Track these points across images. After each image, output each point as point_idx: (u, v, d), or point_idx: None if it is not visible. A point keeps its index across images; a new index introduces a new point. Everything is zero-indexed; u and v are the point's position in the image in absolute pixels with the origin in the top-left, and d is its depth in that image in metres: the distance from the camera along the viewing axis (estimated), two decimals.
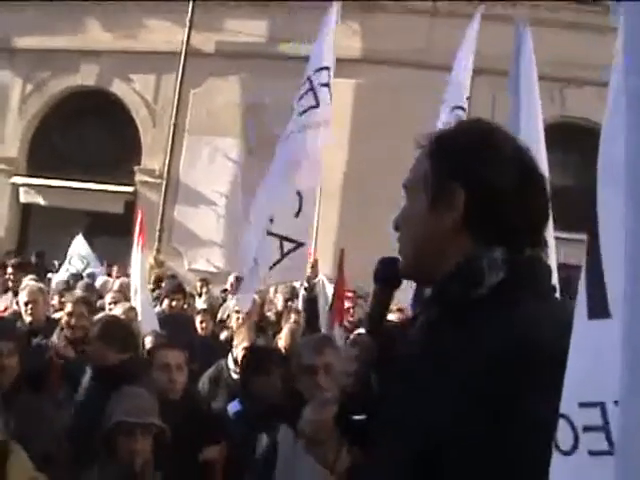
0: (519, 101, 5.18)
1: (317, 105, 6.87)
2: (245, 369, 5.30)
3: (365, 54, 17.13)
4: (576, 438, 1.12)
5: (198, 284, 13.30)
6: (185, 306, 9.56)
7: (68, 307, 6.31)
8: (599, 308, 1.09)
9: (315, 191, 7.04)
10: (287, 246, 6.59)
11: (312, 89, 6.93)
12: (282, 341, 6.94)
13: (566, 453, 1.13)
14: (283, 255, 6.58)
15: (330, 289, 10.89)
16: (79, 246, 13.72)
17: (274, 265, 6.60)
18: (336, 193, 16.27)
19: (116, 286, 9.90)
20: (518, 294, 1.61)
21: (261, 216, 6.84)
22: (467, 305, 1.64)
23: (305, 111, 6.92)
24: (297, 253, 6.60)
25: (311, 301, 6.75)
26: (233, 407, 4.94)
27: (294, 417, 3.50)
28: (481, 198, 1.69)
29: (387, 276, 1.94)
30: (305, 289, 7.73)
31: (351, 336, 5.55)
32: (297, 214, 6.65)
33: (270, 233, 6.57)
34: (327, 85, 6.96)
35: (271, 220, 6.61)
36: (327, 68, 7.00)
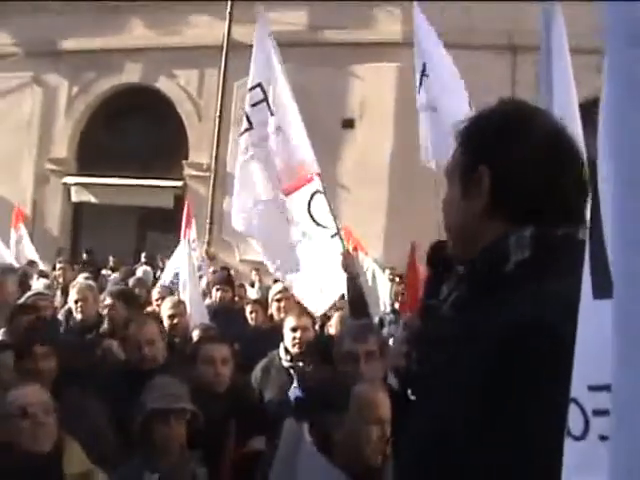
0: (551, 78, 5.09)
1: (250, 127, 7.15)
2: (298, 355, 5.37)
3: (407, 37, 16.99)
4: (587, 423, 1.09)
5: (253, 273, 13.30)
6: (236, 298, 9.59)
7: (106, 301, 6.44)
8: (603, 287, 1.06)
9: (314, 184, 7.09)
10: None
11: (245, 113, 7.29)
12: (332, 328, 6.92)
13: (577, 438, 1.10)
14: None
15: (379, 273, 10.87)
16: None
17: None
18: (383, 178, 16.23)
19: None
20: (543, 271, 1.60)
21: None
22: (494, 280, 1.65)
23: (242, 133, 7.26)
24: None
25: (351, 280, 6.71)
26: (294, 393, 4.99)
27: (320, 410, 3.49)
28: (508, 178, 1.70)
29: (439, 259, 1.95)
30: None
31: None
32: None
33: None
34: (264, 100, 7.10)
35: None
36: (259, 85, 7.16)
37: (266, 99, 7.11)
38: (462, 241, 1.80)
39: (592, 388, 1.08)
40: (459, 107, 7.04)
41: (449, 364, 1.63)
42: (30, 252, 12.86)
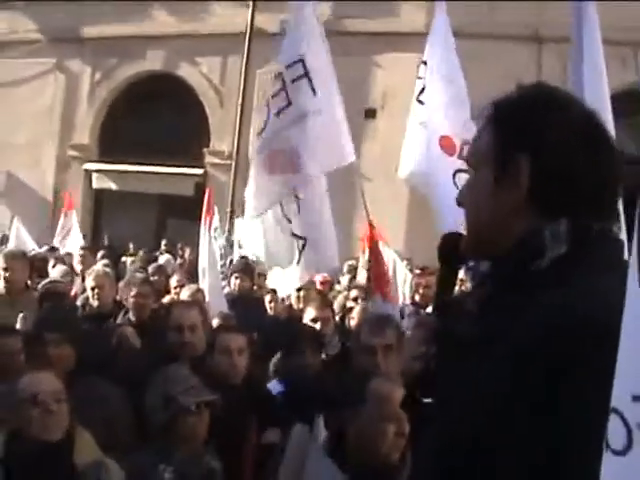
0: (582, 70, 4.99)
1: (289, 104, 6.63)
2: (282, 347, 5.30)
3: (429, 28, 16.84)
4: (630, 436, 0.99)
5: None
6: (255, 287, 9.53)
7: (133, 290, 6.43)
8: None
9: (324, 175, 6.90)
10: (299, 244, 6.69)
11: (284, 88, 6.70)
12: (354, 320, 6.85)
13: (618, 453, 1.00)
14: (300, 253, 6.67)
15: (400, 264, 10.78)
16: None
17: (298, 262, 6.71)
18: None
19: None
20: (580, 268, 1.51)
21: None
22: (525, 278, 1.55)
23: (279, 112, 6.70)
24: (308, 248, 6.60)
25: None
26: (275, 387, 4.89)
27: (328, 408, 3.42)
28: (547, 168, 1.59)
29: (451, 253, 1.84)
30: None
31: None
32: (298, 210, 6.68)
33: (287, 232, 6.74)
34: (305, 75, 6.64)
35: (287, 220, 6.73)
36: (301, 60, 6.70)
37: (307, 75, 6.70)
38: (488, 232, 1.67)
39: (637, 398, 0.99)
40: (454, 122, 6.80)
41: (474, 366, 1.53)
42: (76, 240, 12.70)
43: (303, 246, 6.62)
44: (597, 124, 1.67)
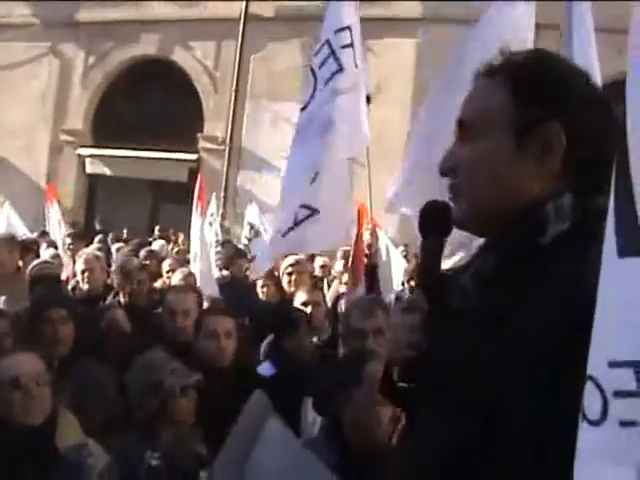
0: (572, 56, 4.93)
1: (341, 69, 6.36)
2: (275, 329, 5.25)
3: (426, 13, 16.78)
4: (605, 405, 0.94)
5: None
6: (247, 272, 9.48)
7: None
8: (632, 245, 0.92)
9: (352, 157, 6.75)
10: (301, 213, 6.25)
11: (333, 53, 6.42)
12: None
13: (594, 423, 0.95)
14: (296, 223, 6.25)
15: (393, 249, 10.72)
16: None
17: (287, 232, 6.31)
18: (400, 156, 16.04)
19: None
20: (585, 245, 1.38)
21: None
22: (528, 254, 1.46)
23: (330, 78, 6.54)
24: (311, 221, 6.32)
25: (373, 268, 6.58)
26: (266, 370, 4.84)
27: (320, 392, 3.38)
28: (576, 137, 1.48)
29: (436, 223, 1.72)
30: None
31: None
32: (313, 180, 6.29)
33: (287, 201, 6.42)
34: (350, 46, 6.54)
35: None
36: (348, 28, 6.57)
37: (352, 45, 6.45)
38: (495, 202, 1.54)
39: (614, 364, 0.94)
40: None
41: (475, 349, 1.44)
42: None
43: (307, 217, 6.35)
44: (603, 95, 1.59)
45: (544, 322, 1.32)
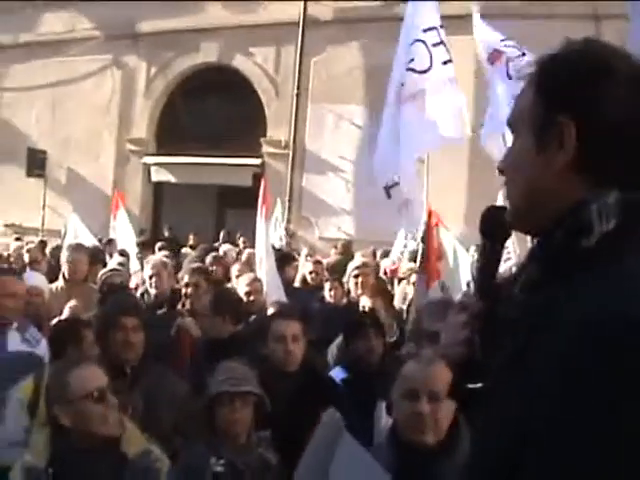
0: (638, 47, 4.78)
1: (431, 66, 6.67)
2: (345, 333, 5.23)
3: (482, 9, 16.57)
4: None
5: (332, 251, 13.17)
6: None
7: (185, 278, 6.46)
8: None
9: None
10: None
11: (427, 49, 6.70)
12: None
13: None
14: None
15: (461, 250, 10.62)
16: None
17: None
18: (464, 154, 15.88)
19: (243, 258, 9.94)
20: (628, 248, 1.34)
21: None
22: (572, 259, 1.37)
23: (425, 71, 6.66)
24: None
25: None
26: (338, 374, 4.80)
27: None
28: (595, 132, 1.42)
29: (495, 227, 1.69)
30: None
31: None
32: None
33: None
34: (441, 43, 6.64)
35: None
36: (435, 28, 6.69)
37: (443, 42, 6.76)
38: (531, 201, 1.50)
39: None
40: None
41: (515, 359, 1.37)
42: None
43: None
44: None
45: (580, 331, 1.25)
